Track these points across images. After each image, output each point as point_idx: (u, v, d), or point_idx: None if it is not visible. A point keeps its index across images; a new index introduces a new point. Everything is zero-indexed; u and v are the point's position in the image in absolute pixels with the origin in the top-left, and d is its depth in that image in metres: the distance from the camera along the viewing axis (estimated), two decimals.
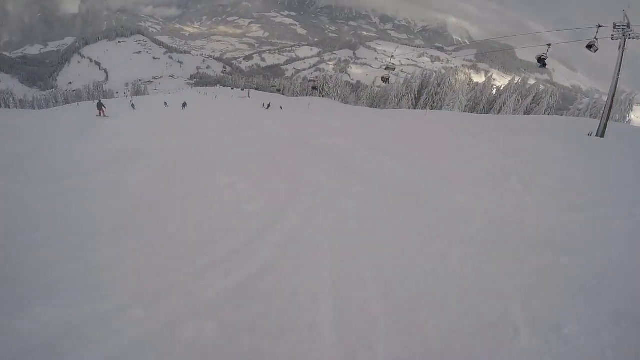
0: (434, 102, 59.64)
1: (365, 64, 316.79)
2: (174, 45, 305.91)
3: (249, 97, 72.69)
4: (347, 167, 9.28)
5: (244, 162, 9.86)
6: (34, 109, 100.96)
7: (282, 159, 10.23)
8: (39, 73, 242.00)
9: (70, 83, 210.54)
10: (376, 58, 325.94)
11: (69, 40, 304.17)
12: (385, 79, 35.24)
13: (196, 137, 15.03)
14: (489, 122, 23.34)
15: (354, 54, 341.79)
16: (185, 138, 14.62)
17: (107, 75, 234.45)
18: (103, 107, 28.35)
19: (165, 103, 46.19)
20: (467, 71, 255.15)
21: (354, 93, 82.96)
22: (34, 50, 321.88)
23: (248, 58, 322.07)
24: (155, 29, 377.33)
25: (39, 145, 12.25)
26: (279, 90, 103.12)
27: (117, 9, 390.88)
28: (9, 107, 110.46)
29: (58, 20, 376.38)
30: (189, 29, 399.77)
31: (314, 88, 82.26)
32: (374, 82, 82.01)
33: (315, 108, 47.69)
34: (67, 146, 12.58)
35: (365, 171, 8.94)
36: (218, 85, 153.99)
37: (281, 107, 47.34)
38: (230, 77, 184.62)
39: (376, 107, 64.32)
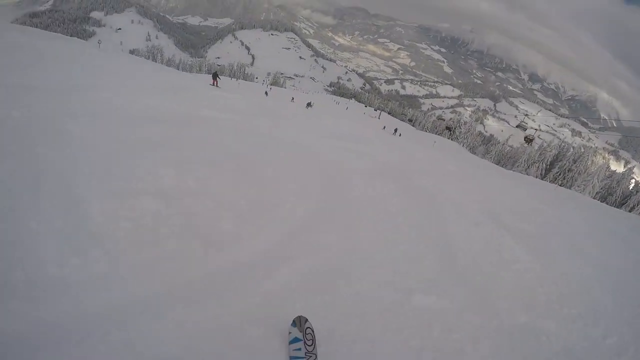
0: (564, 179, 53.72)
1: (502, 119, 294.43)
2: (321, 51, 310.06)
3: (379, 118, 67.97)
4: (440, 239, 5.49)
5: (287, 177, 6.10)
6: (177, 69, 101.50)
7: (357, 194, 6.41)
8: (193, 41, 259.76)
9: (218, 58, 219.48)
10: (516, 116, 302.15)
11: (227, 21, 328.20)
12: (528, 140, 35.62)
13: (277, 132, 9.49)
14: (633, 222, 15.50)
15: (494, 105, 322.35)
16: (264, 129, 9.39)
17: (253, 61, 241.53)
18: (218, 78, 27.61)
19: (293, 98, 43.82)
20: (606, 155, 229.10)
21: (484, 145, 77.27)
22: (194, 20, 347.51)
23: (389, 82, 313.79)
24: (308, 31, 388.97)
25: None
26: (410, 120, 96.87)
27: (278, 4, 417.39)
28: (156, 62, 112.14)
29: (221, 0, 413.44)
30: (339, 39, 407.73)
31: (448, 128, 76.80)
32: (507, 140, 69.79)
33: (440, 147, 41.87)
34: (132, 99, 8.19)
35: (468, 257, 5.16)
36: (353, 99, 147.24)
37: (400, 134, 42.78)
38: (367, 94, 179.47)
39: (502, 166, 57.32)
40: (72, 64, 11.85)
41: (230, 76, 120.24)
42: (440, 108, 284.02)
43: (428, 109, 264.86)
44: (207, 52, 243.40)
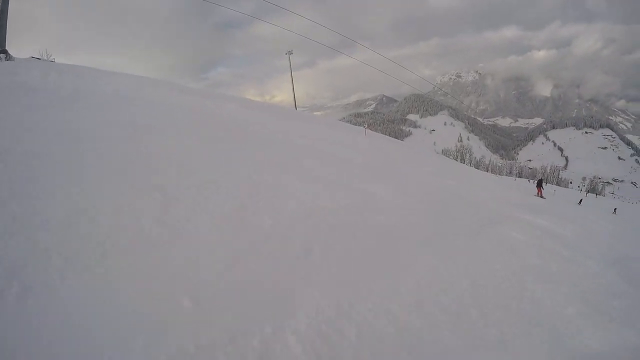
0: None
1: None
2: None
3: None
4: None
5: None
6: (487, 171, 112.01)
7: None
8: (504, 143, 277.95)
9: (530, 160, 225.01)
10: None
11: (537, 121, 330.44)
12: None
13: None
14: None
15: None
16: None
17: (566, 163, 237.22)
18: (542, 186, 23.97)
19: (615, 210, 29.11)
20: None
21: None
22: (504, 122, 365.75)
23: None
24: (625, 125, 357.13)
25: None
26: None
27: (589, 98, 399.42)
28: (464, 162, 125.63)
29: (530, 100, 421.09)
30: None
31: None
32: None
33: None
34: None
35: None
36: None
37: None
38: None
39: None
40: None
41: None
42: None
43: None
44: (518, 153, 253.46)
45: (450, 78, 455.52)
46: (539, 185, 23.80)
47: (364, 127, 27.32)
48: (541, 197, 22.11)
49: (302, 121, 21.48)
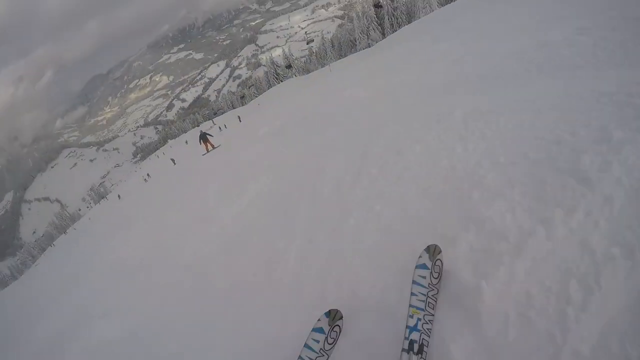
0: (399, 19, 49.60)
1: (274, 47, 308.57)
2: (100, 140, 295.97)
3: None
4: None
5: None
6: None
7: None
8: None
9: (34, 232, 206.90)
10: (278, 36, 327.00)
11: (9, 196, 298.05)
12: (378, 5, 41.19)
13: None
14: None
15: (256, 45, 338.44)
16: None
17: (61, 204, 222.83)
18: (208, 139, 21.26)
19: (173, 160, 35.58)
20: None
21: (310, 61, 72.68)
22: None
23: (169, 107, 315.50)
24: (75, 135, 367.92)
25: None
26: (215, 114, 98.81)
27: (32, 140, 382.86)
28: None
29: None
30: (102, 116, 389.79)
31: (242, 97, 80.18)
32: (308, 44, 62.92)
33: (270, 102, 41.16)
34: None
35: None
36: (165, 145, 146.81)
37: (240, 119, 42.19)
38: (167, 130, 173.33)
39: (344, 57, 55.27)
40: None
41: (59, 234, 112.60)
42: (224, 86, 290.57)
43: (216, 96, 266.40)
44: (20, 239, 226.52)
45: None
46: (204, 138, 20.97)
47: None
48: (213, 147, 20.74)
49: None
